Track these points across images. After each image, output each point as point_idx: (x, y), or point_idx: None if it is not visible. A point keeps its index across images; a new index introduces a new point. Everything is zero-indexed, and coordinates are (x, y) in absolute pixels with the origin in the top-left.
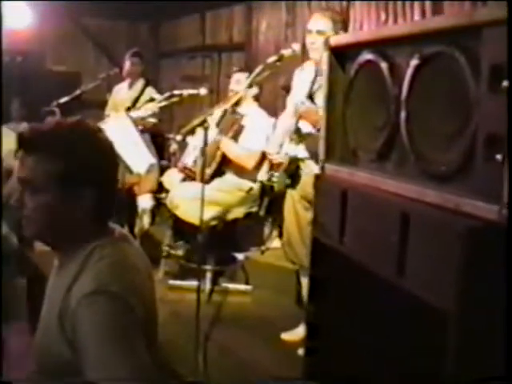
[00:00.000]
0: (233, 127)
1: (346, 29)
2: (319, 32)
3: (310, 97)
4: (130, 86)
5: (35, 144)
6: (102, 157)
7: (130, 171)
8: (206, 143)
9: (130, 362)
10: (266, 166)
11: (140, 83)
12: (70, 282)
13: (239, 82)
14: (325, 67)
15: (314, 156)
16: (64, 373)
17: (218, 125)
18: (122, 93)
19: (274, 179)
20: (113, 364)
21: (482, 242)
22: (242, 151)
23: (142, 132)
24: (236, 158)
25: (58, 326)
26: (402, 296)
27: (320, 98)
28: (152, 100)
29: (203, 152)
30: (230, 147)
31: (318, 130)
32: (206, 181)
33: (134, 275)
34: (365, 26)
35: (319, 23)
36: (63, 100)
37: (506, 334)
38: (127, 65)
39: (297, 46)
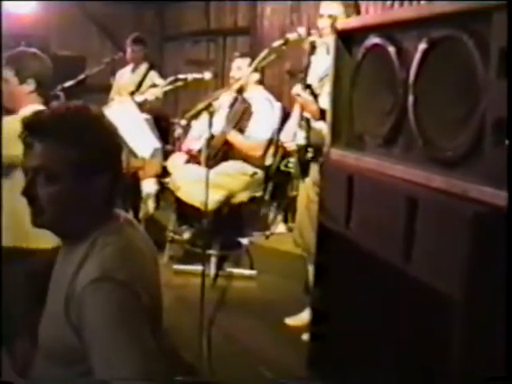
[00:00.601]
0: (242, 117)
1: (358, 12)
2: (331, 16)
3: (309, 87)
4: (133, 70)
5: (46, 129)
6: (109, 141)
7: (135, 155)
8: (210, 127)
9: (135, 349)
10: (272, 151)
11: (143, 67)
12: (75, 269)
13: (240, 69)
14: (332, 51)
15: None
16: (71, 359)
17: (228, 114)
18: (125, 77)
19: (291, 165)
20: (118, 351)
21: (489, 228)
22: (248, 141)
23: (147, 115)
24: (243, 148)
25: (64, 312)
26: (409, 282)
27: (327, 86)
28: (155, 86)
29: (209, 143)
30: (237, 139)
31: (318, 120)
32: (210, 166)
33: (139, 261)
34: (371, 10)
35: (331, 7)
36: (68, 84)
37: (506, 333)
38: (128, 51)
39: (302, 30)
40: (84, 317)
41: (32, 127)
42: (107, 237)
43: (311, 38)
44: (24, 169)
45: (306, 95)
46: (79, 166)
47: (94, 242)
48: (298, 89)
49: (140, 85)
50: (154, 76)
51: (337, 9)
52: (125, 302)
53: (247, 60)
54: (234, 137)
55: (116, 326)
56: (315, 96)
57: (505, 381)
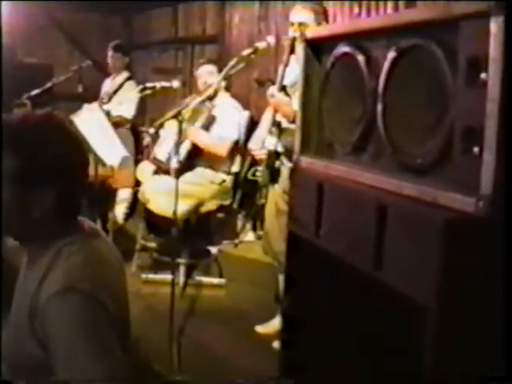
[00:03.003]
0: (201, 116)
1: (327, 20)
2: (301, 24)
3: (284, 89)
4: (114, 78)
5: None
6: (69, 152)
7: (103, 164)
8: (180, 134)
9: (103, 361)
10: (239, 159)
11: (122, 76)
12: (39, 280)
13: (212, 74)
14: (300, 59)
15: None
16: (36, 371)
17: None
18: (106, 85)
19: (258, 174)
20: (85, 364)
21: (459, 235)
22: (212, 139)
23: (117, 126)
24: (207, 146)
25: (28, 324)
26: (380, 289)
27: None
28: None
29: (177, 147)
30: (199, 136)
31: (292, 122)
32: (176, 174)
33: (105, 271)
34: (338, 18)
35: (301, 15)
36: (34, 92)
37: (506, 334)
38: (108, 57)
39: (271, 39)
40: (49, 329)
41: None
42: (71, 247)
43: (291, 35)
44: None
45: (281, 96)
46: (24, 178)
47: (58, 253)
48: (273, 89)
49: (115, 93)
50: (132, 85)
51: (307, 16)
52: (91, 312)
53: (215, 66)
54: (194, 133)
55: (82, 338)
56: (290, 98)
57: (505, 381)
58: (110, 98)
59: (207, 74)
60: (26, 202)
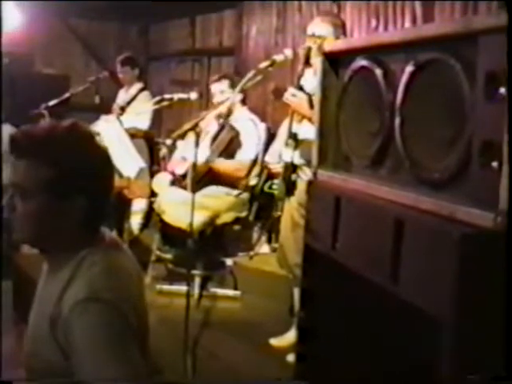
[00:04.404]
0: (229, 145)
1: (345, 33)
2: (320, 36)
3: (302, 89)
4: (126, 90)
5: (26, 148)
6: (96, 162)
7: (120, 175)
8: (197, 146)
9: (124, 370)
10: (256, 171)
11: (135, 88)
12: (61, 289)
13: (223, 92)
14: (318, 72)
15: (309, 162)
16: (52, 375)
17: (213, 140)
18: (120, 97)
19: (275, 186)
20: (108, 372)
21: (477, 250)
22: (233, 163)
23: (132, 137)
24: (228, 171)
25: (50, 333)
26: (396, 303)
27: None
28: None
29: (194, 166)
30: (222, 165)
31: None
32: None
33: (126, 281)
34: (355, 32)
35: (320, 28)
36: (52, 103)
37: (506, 334)
38: (117, 72)
39: (289, 52)
40: (72, 338)
41: (14, 145)
42: (94, 257)
43: (307, 45)
44: (10, 183)
45: (300, 94)
46: (56, 187)
47: (81, 263)
48: (292, 90)
49: (128, 104)
50: (146, 96)
51: (326, 29)
52: (112, 322)
53: (226, 82)
54: (219, 164)
55: (104, 347)
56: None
57: (505, 381)
58: (124, 109)
59: (218, 94)
60: (56, 212)
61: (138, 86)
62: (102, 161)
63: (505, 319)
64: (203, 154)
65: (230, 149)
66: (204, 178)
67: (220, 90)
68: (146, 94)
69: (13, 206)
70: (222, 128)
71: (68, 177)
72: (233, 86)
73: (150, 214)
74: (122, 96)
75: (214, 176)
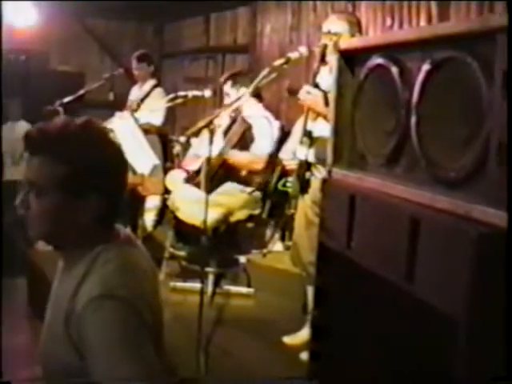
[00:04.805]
0: (242, 137)
1: (361, 31)
2: (335, 34)
3: (317, 86)
4: (140, 87)
5: (41, 145)
6: (111, 159)
7: (134, 172)
8: (211, 144)
9: (139, 367)
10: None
11: (148, 84)
12: (75, 286)
13: (228, 96)
14: (333, 70)
15: (324, 160)
16: (67, 374)
17: (225, 133)
18: (133, 94)
19: (289, 184)
20: (122, 370)
21: (493, 249)
22: (249, 155)
23: (146, 134)
24: (245, 162)
25: (64, 330)
26: (411, 302)
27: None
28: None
29: (208, 161)
30: (237, 156)
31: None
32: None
33: (140, 278)
34: (370, 30)
35: (335, 25)
36: (67, 100)
37: (506, 334)
38: (133, 69)
39: (304, 50)
40: (85, 335)
41: (29, 141)
42: (108, 253)
43: (322, 43)
44: (24, 179)
45: (317, 91)
46: (71, 184)
47: (95, 259)
48: (307, 87)
49: (142, 101)
50: (159, 93)
51: (342, 26)
52: (127, 319)
53: (231, 83)
54: (233, 155)
55: (119, 345)
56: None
57: (505, 381)
58: (138, 106)
59: (225, 96)
60: (70, 209)
61: (151, 82)
62: (116, 158)
63: (505, 319)
64: (217, 146)
65: (243, 141)
66: (218, 171)
67: (225, 92)
68: (159, 90)
69: (27, 203)
70: (233, 121)
71: (82, 174)
72: (234, 85)
73: (164, 211)
74: (136, 93)
75: (228, 169)
